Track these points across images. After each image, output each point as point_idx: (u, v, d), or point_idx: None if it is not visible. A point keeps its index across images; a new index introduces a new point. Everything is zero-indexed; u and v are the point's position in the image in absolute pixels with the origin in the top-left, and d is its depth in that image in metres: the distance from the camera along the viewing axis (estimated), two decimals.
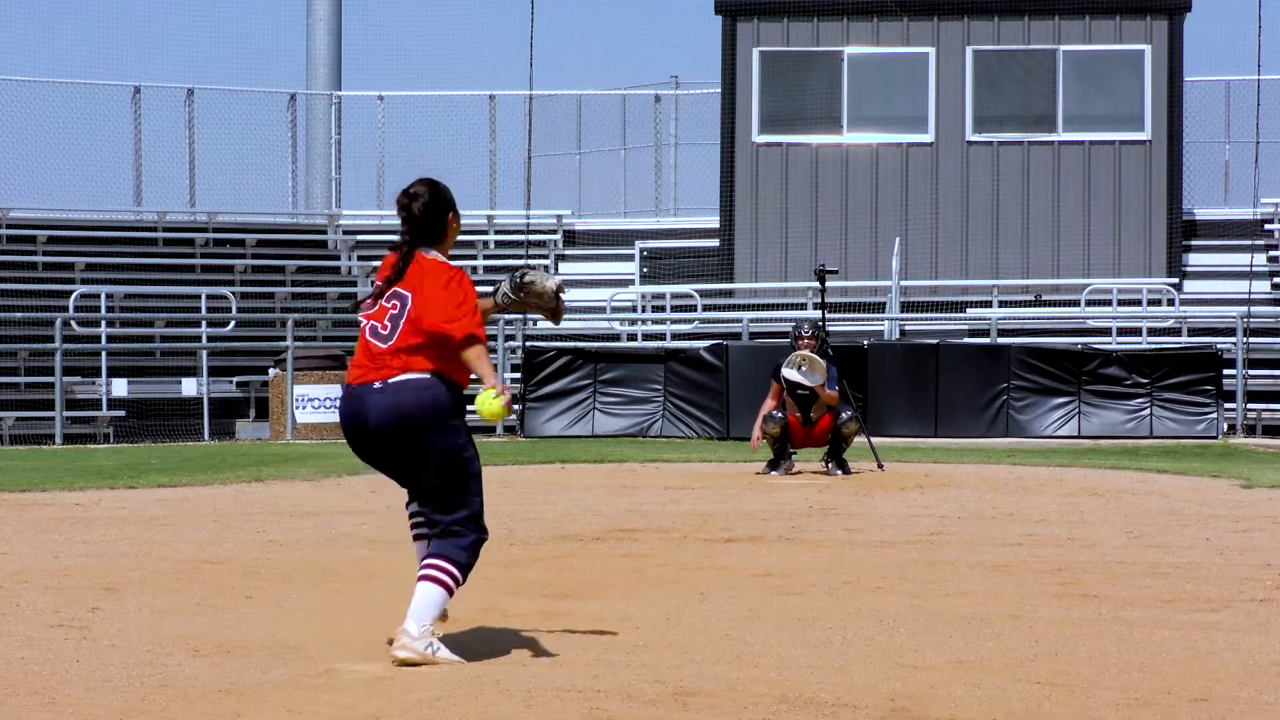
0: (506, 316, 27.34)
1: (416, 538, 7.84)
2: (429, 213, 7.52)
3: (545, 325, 29.75)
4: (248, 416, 28.16)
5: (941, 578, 10.01)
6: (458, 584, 7.44)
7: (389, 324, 7.43)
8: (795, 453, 18.10)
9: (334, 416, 26.14)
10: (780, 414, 17.78)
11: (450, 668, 7.21)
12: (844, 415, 17.77)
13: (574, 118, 34.85)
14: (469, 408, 7.48)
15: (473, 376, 7.50)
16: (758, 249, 30.81)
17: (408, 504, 7.86)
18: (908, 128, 30.68)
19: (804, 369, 17.64)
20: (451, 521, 7.45)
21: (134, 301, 29.23)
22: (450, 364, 7.44)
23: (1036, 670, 7.22)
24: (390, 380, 7.38)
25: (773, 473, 17.84)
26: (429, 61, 50.61)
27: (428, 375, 7.38)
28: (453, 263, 7.63)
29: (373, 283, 7.79)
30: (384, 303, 7.46)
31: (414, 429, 7.35)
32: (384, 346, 7.42)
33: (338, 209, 34.11)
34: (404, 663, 7.25)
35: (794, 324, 18.49)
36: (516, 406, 25.83)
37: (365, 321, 7.52)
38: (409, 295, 7.41)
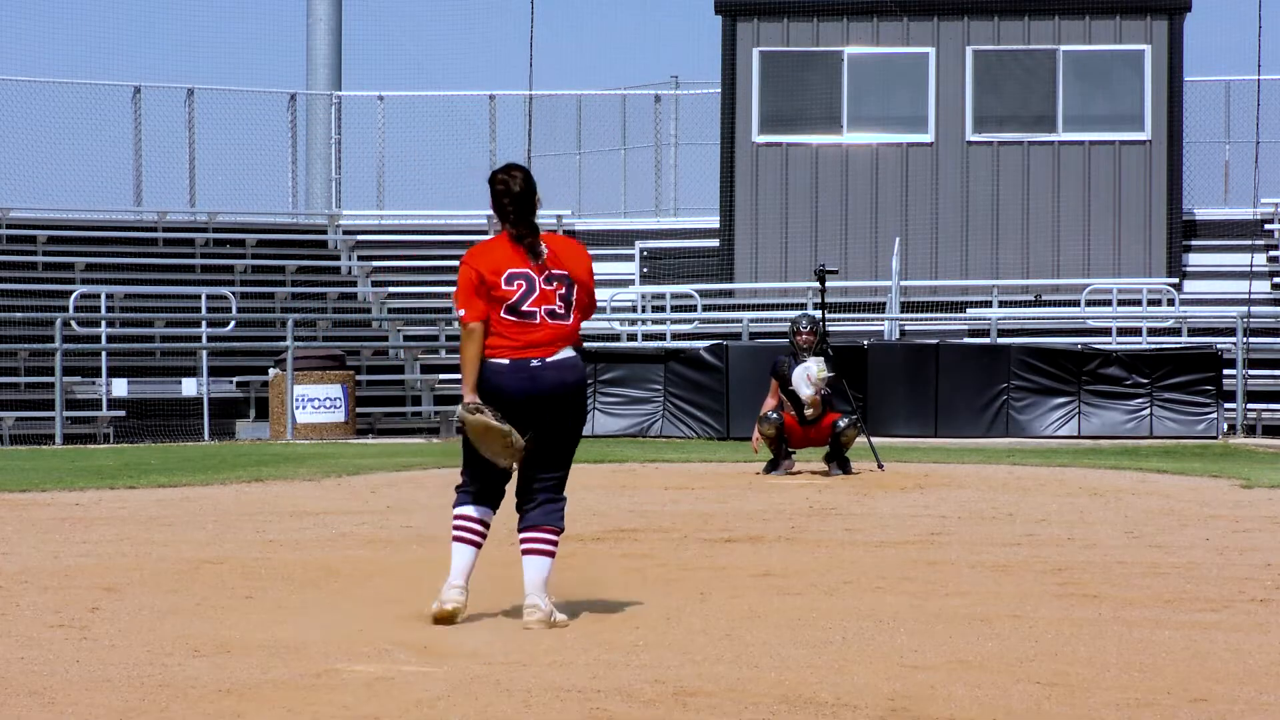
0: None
1: (467, 541, 8.37)
2: (527, 192, 8.44)
3: None
4: (248, 416, 28.15)
5: (941, 578, 10.00)
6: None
7: (561, 305, 8.32)
8: (794, 452, 18.08)
9: (334, 416, 26.15)
10: (775, 415, 17.77)
11: (449, 668, 7.22)
12: (842, 423, 17.70)
13: (574, 118, 34.86)
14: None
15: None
16: (758, 249, 30.81)
17: (459, 504, 8.38)
18: (908, 128, 30.68)
19: (814, 373, 17.61)
20: (558, 483, 8.37)
21: (134, 301, 29.23)
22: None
23: (1036, 670, 7.22)
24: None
25: (772, 473, 17.82)
26: (429, 61, 50.64)
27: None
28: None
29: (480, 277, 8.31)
30: (544, 285, 8.26)
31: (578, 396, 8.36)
32: (567, 324, 8.30)
33: (338, 209, 34.12)
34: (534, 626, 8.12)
35: (792, 320, 18.44)
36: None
37: (535, 309, 8.26)
38: (567, 274, 8.34)
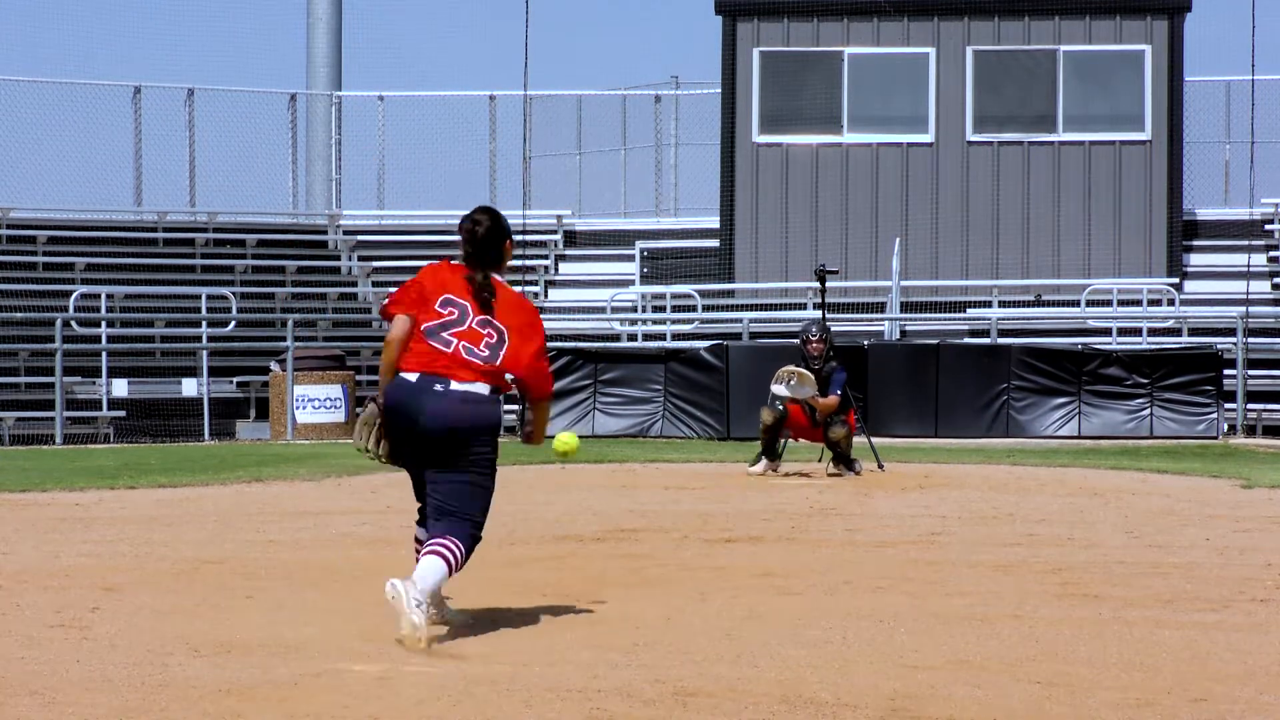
0: None
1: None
2: (491, 238, 8.22)
3: (548, 326, 29.73)
4: (248, 416, 28.15)
5: (941, 578, 10.00)
6: (458, 566, 7.89)
7: (486, 350, 7.99)
8: (784, 450, 18.13)
9: (334, 416, 26.15)
10: (780, 405, 17.78)
11: (449, 668, 7.21)
12: (833, 431, 17.69)
13: (574, 118, 34.86)
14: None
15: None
16: (758, 249, 30.81)
17: (418, 522, 8.33)
18: (908, 128, 30.68)
19: (792, 383, 17.66)
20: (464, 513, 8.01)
21: (134, 301, 29.23)
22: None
23: (1036, 670, 7.22)
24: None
25: (755, 467, 17.80)
26: (429, 61, 50.65)
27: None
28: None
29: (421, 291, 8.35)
30: (476, 326, 8.03)
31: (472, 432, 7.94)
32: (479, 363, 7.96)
33: (338, 209, 34.12)
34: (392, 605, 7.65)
35: (803, 326, 18.46)
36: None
37: (454, 339, 8.02)
38: (505, 331, 8.03)
